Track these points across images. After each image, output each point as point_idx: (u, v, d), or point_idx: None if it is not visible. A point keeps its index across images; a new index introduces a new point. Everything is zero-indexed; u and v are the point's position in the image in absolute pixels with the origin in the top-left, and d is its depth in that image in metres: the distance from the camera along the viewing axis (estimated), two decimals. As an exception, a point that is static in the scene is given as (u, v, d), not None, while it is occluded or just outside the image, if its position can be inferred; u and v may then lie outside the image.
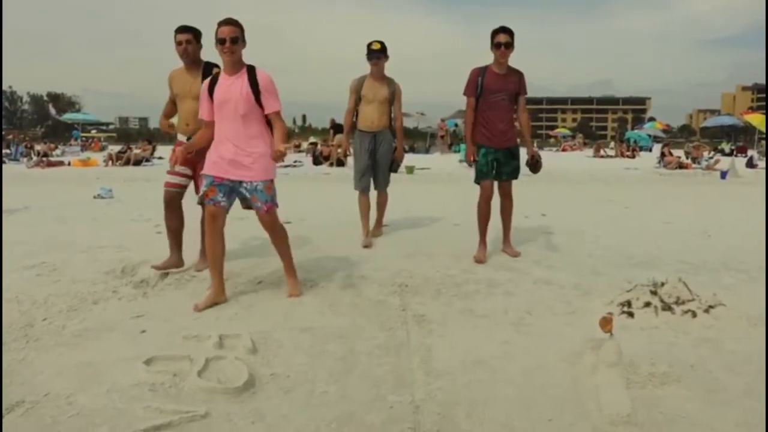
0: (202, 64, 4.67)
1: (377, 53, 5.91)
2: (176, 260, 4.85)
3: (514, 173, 5.39)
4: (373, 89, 5.99)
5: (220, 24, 3.89)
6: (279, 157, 3.84)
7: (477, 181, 5.32)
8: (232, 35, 3.85)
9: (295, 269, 4.33)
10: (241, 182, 3.97)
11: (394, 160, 6.25)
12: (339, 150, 6.49)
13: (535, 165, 5.34)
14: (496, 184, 5.38)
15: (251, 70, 3.96)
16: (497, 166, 5.26)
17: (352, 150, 6.29)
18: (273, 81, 4.01)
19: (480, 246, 5.38)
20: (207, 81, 4.06)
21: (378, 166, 6.18)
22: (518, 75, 5.22)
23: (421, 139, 35.41)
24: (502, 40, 5.02)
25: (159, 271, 4.68)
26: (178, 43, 4.58)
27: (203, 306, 3.92)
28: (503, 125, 5.18)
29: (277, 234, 4.21)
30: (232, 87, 3.91)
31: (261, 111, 3.95)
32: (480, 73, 5.16)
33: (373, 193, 6.33)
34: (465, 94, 5.24)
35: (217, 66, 4.45)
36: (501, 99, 5.13)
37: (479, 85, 5.13)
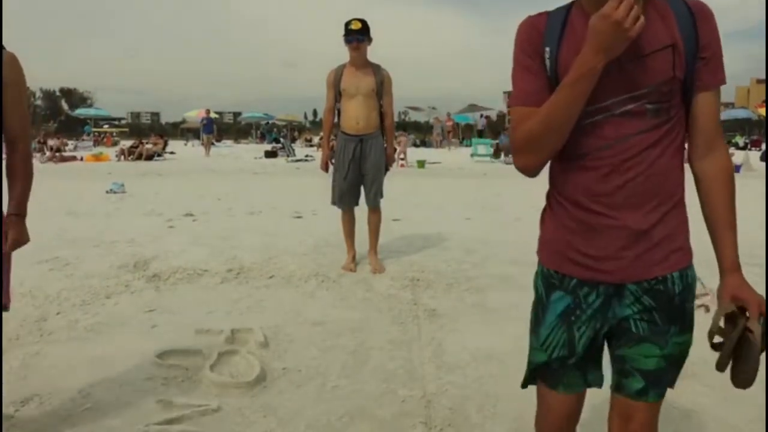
0: None
1: (358, 34, 4.65)
2: None
3: (664, 380, 1.63)
4: (354, 80, 4.74)
5: None
6: None
7: (528, 380, 1.72)
8: None
9: None
10: None
11: (386, 166, 5.01)
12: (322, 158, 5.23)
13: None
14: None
15: None
16: (617, 346, 1.63)
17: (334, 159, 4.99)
18: None
19: None
20: None
21: (368, 178, 4.88)
22: (679, 24, 1.39)
23: (431, 133, 35.36)
24: None
25: None
26: None
27: None
28: (634, 211, 1.44)
29: None
30: None
31: None
32: (547, 26, 1.38)
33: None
34: (511, 103, 1.42)
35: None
36: (627, 111, 1.35)
37: (553, 70, 1.35)
